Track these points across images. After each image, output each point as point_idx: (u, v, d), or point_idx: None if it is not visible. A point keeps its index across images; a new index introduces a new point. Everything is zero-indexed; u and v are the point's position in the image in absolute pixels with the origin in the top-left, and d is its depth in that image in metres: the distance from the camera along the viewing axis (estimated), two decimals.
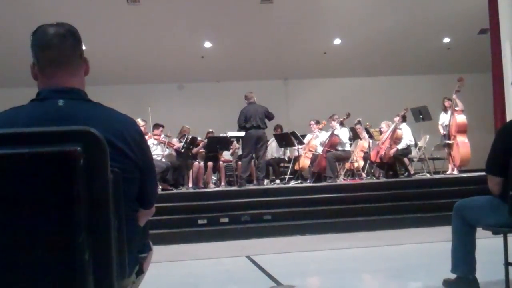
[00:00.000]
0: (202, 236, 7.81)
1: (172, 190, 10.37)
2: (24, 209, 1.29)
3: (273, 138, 12.25)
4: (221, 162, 11.50)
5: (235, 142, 11.69)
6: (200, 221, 8.24)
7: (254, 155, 10.45)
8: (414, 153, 11.58)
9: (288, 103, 16.55)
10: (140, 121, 9.82)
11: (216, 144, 11.19)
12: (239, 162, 11.07)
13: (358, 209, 8.70)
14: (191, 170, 10.84)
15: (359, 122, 12.33)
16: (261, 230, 8.05)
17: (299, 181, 10.94)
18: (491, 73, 11.09)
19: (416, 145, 11.63)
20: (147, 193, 1.97)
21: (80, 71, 1.88)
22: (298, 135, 11.24)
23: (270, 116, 10.35)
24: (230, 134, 11.44)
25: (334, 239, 7.46)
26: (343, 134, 10.98)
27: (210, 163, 11.17)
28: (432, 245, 6.44)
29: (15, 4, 12.00)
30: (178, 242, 7.54)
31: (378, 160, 11.11)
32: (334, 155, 10.63)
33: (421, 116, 11.52)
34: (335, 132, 10.86)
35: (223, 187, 10.90)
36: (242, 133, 10.55)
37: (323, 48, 15.46)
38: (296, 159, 11.55)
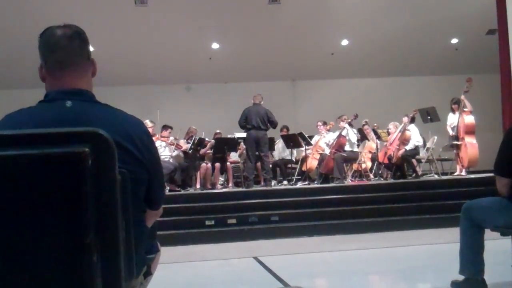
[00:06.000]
0: (210, 237, 7.82)
1: (179, 191, 10.39)
2: (32, 210, 1.29)
3: (280, 139, 12.23)
4: (228, 163, 11.49)
5: (242, 143, 11.68)
6: (207, 222, 8.24)
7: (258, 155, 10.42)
8: (422, 154, 11.53)
9: (296, 104, 16.52)
10: (148, 122, 9.87)
11: (224, 145, 11.19)
12: None
13: (366, 210, 8.68)
14: (198, 171, 10.84)
15: (366, 123, 12.30)
16: (268, 231, 8.05)
17: (306, 182, 10.92)
18: (500, 73, 11.04)
19: (424, 146, 11.58)
20: (154, 194, 1.97)
21: (87, 73, 1.89)
22: (306, 136, 11.22)
23: (272, 120, 10.19)
24: (237, 135, 11.43)
25: (342, 240, 7.45)
26: (351, 135, 10.96)
27: (217, 164, 11.17)
28: (440, 246, 6.42)
29: (22, 6, 12.05)
30: (186, 243, 7.55)
31: (386, 161, 11.08)
32: (342, 156, 10.61)
33: (429, 117, 11.48)
34: (343, 133, 10.83)
35: (230, 188, 10.89)
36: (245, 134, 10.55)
37: (330, 49, 15.42)
38: (304, 160, 11.52)
